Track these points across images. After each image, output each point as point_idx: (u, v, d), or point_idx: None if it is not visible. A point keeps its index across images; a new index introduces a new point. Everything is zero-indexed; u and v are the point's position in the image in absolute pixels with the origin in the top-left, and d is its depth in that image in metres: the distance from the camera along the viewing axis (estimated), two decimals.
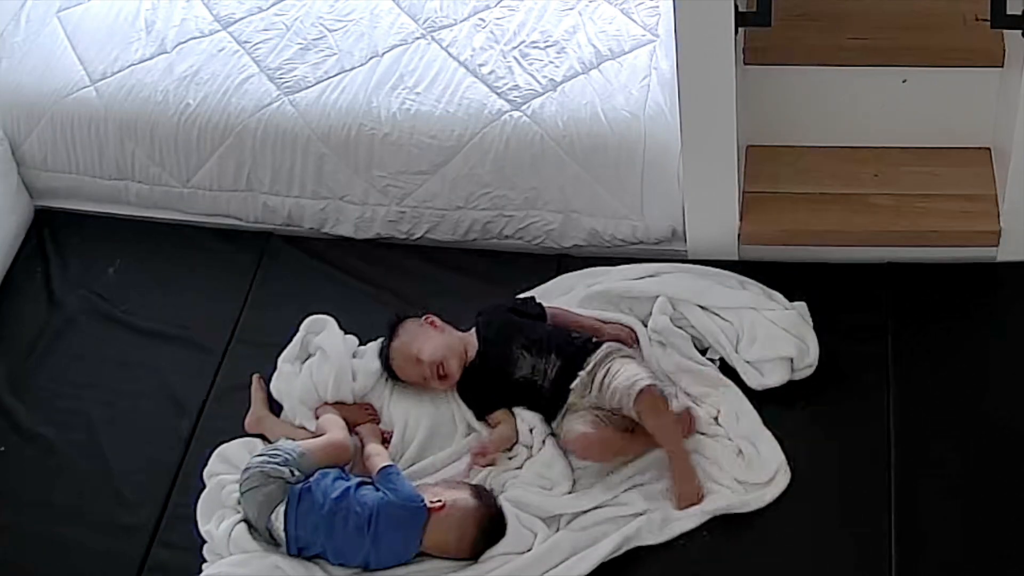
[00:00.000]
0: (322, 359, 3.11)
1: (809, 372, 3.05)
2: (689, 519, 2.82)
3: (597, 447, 2.89)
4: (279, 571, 2.79)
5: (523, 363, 3.00)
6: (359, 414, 3.06)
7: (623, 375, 2.90)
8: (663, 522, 2.82)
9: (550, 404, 2.98)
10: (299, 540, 2.81)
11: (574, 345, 3.01)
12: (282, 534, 2.81)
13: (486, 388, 3.01)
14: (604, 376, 2.92)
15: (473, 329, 3.09)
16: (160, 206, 3.64)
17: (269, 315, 3.31)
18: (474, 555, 2.83)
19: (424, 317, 3.11)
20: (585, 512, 2.85)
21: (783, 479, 2.86)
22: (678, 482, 2.86)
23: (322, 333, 3.16)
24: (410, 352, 3.04)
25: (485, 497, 2.86)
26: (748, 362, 3.05)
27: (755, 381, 3.03)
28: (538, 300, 3.17)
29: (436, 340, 3.05)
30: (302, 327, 3.19)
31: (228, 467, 2.98)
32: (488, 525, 2.83)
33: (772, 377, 3.03)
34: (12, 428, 3.18)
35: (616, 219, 3.38)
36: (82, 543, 2.96)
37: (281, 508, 2.80)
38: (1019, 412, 2.95)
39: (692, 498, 2.84)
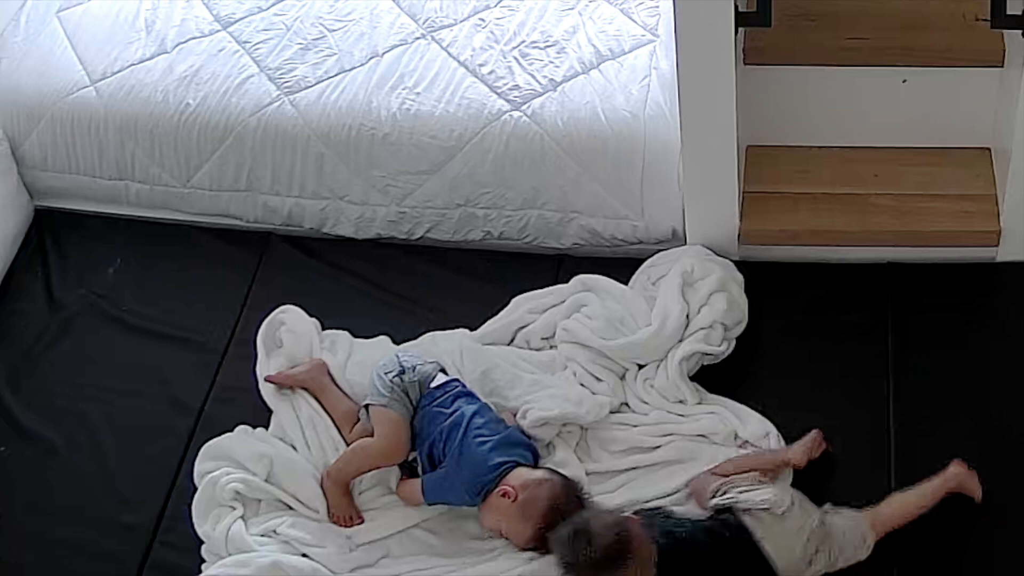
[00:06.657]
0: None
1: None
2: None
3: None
4: (279, 571, 2.79)
5: None
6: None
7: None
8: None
9: None
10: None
11: None
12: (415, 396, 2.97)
13: None
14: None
15: None
16: (160, 206, 3.64)
17: (269, 315, 3.31)
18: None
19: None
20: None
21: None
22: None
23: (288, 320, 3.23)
24: None
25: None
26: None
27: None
28: None
29: None
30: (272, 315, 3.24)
31: (216, 463, 2.97)
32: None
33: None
34: (12, 428, 3.18)
35: (616, 219, 3.38)
36: (82, 543, 2.96)
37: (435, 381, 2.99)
38: (1019, 412, 2.95)
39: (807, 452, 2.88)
